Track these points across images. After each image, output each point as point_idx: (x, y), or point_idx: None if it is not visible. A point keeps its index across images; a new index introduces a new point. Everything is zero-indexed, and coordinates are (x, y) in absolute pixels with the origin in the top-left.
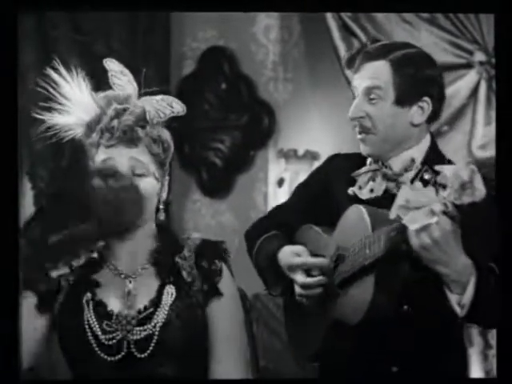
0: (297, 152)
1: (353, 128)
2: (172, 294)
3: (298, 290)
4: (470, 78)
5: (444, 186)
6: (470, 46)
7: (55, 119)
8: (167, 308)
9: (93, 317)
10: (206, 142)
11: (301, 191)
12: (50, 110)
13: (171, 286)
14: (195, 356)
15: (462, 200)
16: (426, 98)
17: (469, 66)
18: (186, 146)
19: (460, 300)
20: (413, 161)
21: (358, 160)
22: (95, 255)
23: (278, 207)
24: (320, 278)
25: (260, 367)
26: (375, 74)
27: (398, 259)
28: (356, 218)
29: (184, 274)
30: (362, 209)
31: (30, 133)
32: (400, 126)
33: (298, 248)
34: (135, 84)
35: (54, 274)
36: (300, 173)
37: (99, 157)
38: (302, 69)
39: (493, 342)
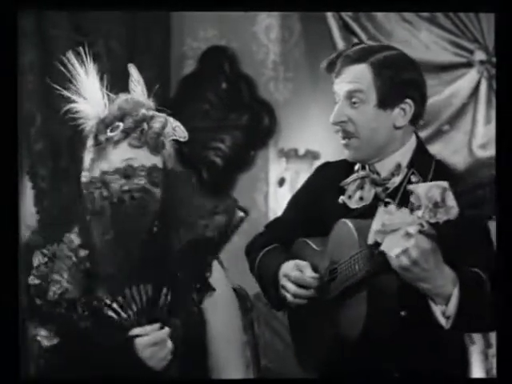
0: (297, 151)
1: (335, 133)
2: (168, 294)
3: (288, 297)
4: (470, 77)
5: (418, 206)
6: (471, 45)
7: (73, 104)
8: (165, 308)
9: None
10: (206, 141)
11: (294, 203)
12: (68, 90)
13: (167, 286)
14: (196, 354)
15: (437, 218)
16: (407, 100)
17: (469, 65)
18: (186, 145)
19: (444, 311)
20: (399, 166)
21: (347, 167)
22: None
23: (274, 221)
24: (310, 292)
25: (261, 367)
26: (356, 77)
27: (388, 273)
28: (344, 233)
29: (178, 273)
30: (349, 224)
31: (30, 132)
32: (383, 129)
33: (302, 264)
34: (146, 95)
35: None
36: (301, 172)
37: (120, 155)
38: (302, 68)
39: (493, 341)
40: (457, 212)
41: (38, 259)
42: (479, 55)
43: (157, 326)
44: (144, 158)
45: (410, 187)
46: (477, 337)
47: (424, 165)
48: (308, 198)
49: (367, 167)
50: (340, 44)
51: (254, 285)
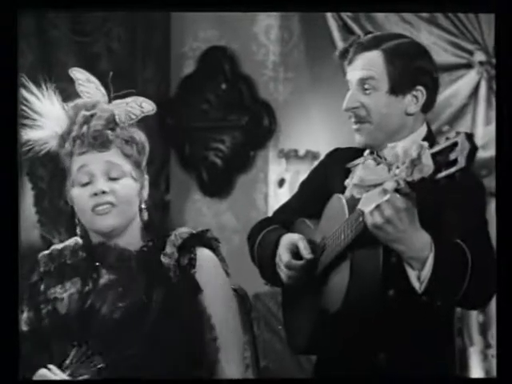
0: (297, 152)
1: (348, 119)
2: (161, 294)
3: (283, 269)
4: (470, 77)
5: (396, 164)
6: (470, 45)
7: (28, 134)
8: (158, 310)
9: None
10: (206, 142)
11: (302, 189)
12: (22, 126)
13: (161, 287)
14: (193, 353)
15: (413, 177)
16: (419, 87)
17: (469, 65)
18: (186, 145)
19: (419, 275)
20: (405, 152)
21: (356, 154)
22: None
23: (282, 207)
24: (303, 262)
25: (261, 367)
26: (368, 64)
27: (372, 243)
28: (336, 206)
29: (170, 274)
30: (341, 197)
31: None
32: (395, 116)
33: (296, 238)
34: (103, 90)
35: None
36: (301, 173)
37: (74, 165)
38: (302, 69)
39: (493, 341)
40: (431, 170)
41: None
42: (479, 56)
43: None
44: (94, 160)
45: (390, 144)
46: (476, 337)
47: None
48: (317, 182)
49: (375, 152)
50: (340, 44)
51: (254, 285)
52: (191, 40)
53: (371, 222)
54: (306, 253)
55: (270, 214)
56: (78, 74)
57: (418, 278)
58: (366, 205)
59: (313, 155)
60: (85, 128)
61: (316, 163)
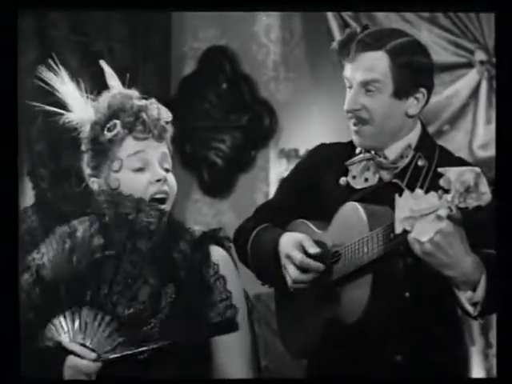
0: (298, 152)
1: (347, 119)
2: (172, 292)
3: (289, 281)
4: (470, 77)
5: (447, 190)
6: (471, 45)
7: (65, 115)
8: (168, 307)
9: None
10: (206, 141)
11: (287, 186)
12: (57, 106)
13: (171, 284)
14: (197, 354)
15: (467, 203)
16: (421, 89)
17: (469, 65)
18: (187, 145)
19: (472, 298)
20: (409, 147)
21: (345, 149)
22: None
23: (263, 205)
24: (312, 275)
25: (261, 367)
26: (372, 65)
27: (395, 259)
28: (352, 215)
29: (181, 271)
30: (359, 207)
31: (30, 133)
32: (396, 118)
33: (301, 237)
34: (122, 86)
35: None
36: None
37: (126, 150)
38: (303, 68)
39: (493, 341)
40: (489, 199)
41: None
42: (479, 55)
43: (93, 356)
44: (151, 148)
45: (441, 170)
46: (477, 337)
47: (429, 150)
48: (302, 179)
49: (373, 151)
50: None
51: (254, 286)
52: (191, 40)
53: (421, 249)
54: (314, 251)
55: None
56: (106, 68)
57: (470, 299)
58: (422, 233)
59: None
60: (144, 115)
61: (299, 160)
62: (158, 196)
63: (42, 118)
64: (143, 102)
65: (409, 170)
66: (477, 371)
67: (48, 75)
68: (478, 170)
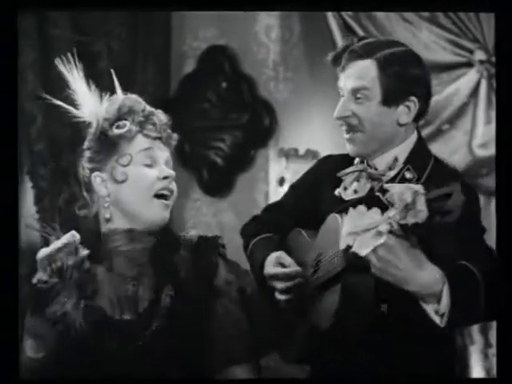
0: (298, 151)
1: (340, 126)
2: (170, 296)
3: (278, 296)
4: (470, 76)
5: (391, 205)
6: (471, 44)
7: (74, 111)
8: (165, 310)
9: (82, 322)
10: (206, 140)
11: (293, 192)
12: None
13: (169, 286)
14: (194, 355)
15: (407, 220)
16: (412, 98)
17: (469, 64)
18: (186, 145)
19: (438, 309)
20: (396, 160)
21: (348, 161)
22: (88, 265)
23: (272, 206)
24: (297, 280)
25: (261, 367)
26: (361, 73)
27: (363, 270)
28: (333, 226)
29: (182, 273)
30: (339, 218)
31: (30, 133)
32: (387, 126)
33: (280, 255)
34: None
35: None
36: (301, 172)
37: (138, 146)
38: (302, 68)
39: (493, 340)
40: (425, 216)
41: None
42: (479, 55)
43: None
44: (158, 149)
45: (386, 186)
46: (477, 336)
47: (421, 162)
48: (306, 188)
49: (365, 161)
50: (340, 44)
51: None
52: (191, 39)
53: (374, 266)
54: (288, 262)
55: None
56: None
57: (437, 311)
58: (361, 248)
59: (313, 154)
60: (155, 118)
61: (309, 167)
62: (163, 192)
63: (43, 117)
64: (153, 108)
65: (395, 181)
66: (477, 371)
67: (63, 69)
68: (417, 187)
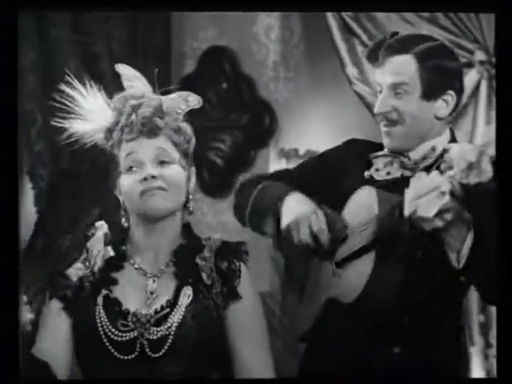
0: (298, 151)
1: (378, 123)
2: (189, 296)
3: (295, 237)
4: (470, 77)
5: (450, 167)
6: (471, 45)
7: (75, 127)
8: (183, 309)
9: (103, 314)
10: (206, 141)
11: (308, 167)
12: (68, 119)
13: (189, 287)
14: (207, 357)
15: (469, 180)
16: (450, 92)
17: (469, 65)
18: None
19: (459, 251)
20: (433, 149)
21: (373, 147)
22: (112, 253)
23: (281, 173)
24: (320, 244)
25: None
26: (400, 69)
27: (399, 239)
28: (366, 198)
29: (204, 275)
30: (373, 190)
31: (30, 133)
32: (425, 119)
33: (315, 207)
34: (149, 86)
35: (74, 276)
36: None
37: (123, 153)
38: (302, 68)
39: (493, 341)
40: (490, 176)
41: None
42: (479, 55)
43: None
44: (143, 147)
45: (446, 146)
46: (477, 337)
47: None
48: (326, 167)
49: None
50: (340, 44)
51: (255, 284)
52: (191, 40)
53: (431, 227)
54: (321, 235)
55: None
56: (124, 70)
57: (458, 252)
58: (427, 209)
59: (313, 154)
60: (133, 116)
61: (328, 149)
62: (149, 193)
63: (43, 117)
64: (140, 101)
65: (431, 171)
66: (477, 371)
67: (68, 92)
68: (481, 147)
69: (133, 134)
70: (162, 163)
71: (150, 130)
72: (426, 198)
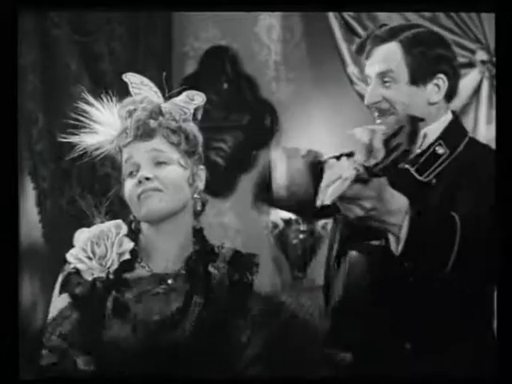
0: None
1: (370, 114)
2: (199, 304)
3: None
4: (472, 77)
5: (354, 151)
6: (472, 45)
7: (83, 140)
8: (193, 317)
9: (112, 317)
10: (208, 141)
11: None
12: (77, 133)
13: (199, 295)
14: (214, 362)
15: (369, 162)
16: (440, 75)
17: (471, 65)
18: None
19: (398, 235)
20: (424, 135)
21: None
22: (128, 256)
23: None
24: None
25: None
26: (386, 56)
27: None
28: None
29: (214, 284)
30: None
31: (31, 133)
32: (418, 106)
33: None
34: (158, 91)
35: (88, 275)
36: None
37: (123, 159)
38: (304, 68)
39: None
40: (382, 154)
41: None
42: (481, 55)
43: None
44: (138, 150)
45: (350, 131)
46: None
47: (455, 139)
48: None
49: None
50: (342, 44)
51: (256, 284)
52: (193, 40)
53: (354, 215)
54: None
55: (272, 214)
56: (132, 78)
57: (397, 237)
58: (328, 198)
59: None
60: (128, 121)
61: None
62: (143, 195)
63: (44, 117)
64: (133, 106)
65: (424, 155)
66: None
67: (84, 108)
68: (374, 127)
69: (128, 139)
70: (158, 164)
71: (144, 132)
72: (333, 185)
